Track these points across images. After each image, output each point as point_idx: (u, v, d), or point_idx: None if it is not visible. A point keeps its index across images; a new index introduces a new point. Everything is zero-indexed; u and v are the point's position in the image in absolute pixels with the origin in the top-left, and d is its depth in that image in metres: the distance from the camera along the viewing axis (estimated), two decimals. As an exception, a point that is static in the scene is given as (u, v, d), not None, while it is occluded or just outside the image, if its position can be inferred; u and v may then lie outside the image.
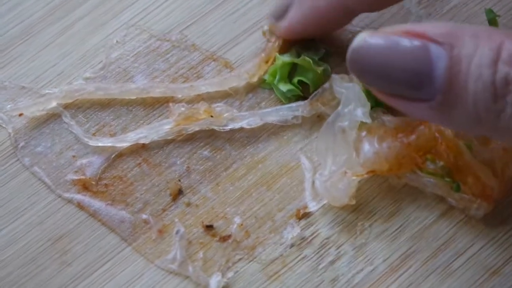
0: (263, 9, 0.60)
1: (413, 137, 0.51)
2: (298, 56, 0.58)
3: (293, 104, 0.56)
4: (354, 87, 0.53)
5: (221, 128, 0.56)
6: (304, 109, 0.56)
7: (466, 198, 0.52)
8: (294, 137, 0.56)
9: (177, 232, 0.53)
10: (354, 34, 0.57)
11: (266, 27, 0.59)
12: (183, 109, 0.56)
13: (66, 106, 0.57)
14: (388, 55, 0.39)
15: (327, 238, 0.53)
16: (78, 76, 0.59)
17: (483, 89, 0.37)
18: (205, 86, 0.57)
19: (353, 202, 0.53)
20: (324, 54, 0.58)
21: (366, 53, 0.40)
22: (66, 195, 0.54)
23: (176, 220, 0.54)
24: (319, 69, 0.57)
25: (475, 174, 0.51)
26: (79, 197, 0.54)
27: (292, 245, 0.53)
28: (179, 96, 0.57)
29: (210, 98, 0.57)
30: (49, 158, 0.56)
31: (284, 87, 0.57)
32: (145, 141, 0.56)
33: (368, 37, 0.40)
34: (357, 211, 0.53)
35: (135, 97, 0.57)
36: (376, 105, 0.55)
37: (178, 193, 0.55)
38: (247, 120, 0.56)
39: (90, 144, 0.56)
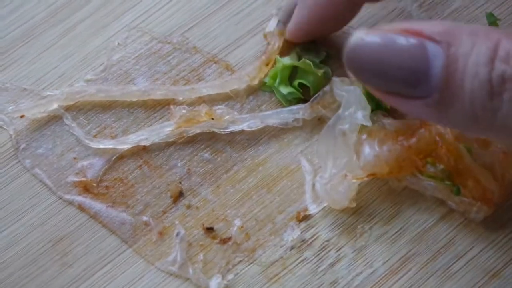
0: (263, 13, 0.60)
1: (413, 140, 0.52)
2: (299, 59, 0.58)
3: (294, 107, 0.56)
4: (355, 90, 0.53)
5: (222, 130, 0.56)
6: (305, 112, 0.56)
7: (466, 201, 0.52)
8: (295, 139, 0.56)
9: (178, 234, 0.53)
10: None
11: (267, 30, 0.59)
12: (184, 111, 0.56)
13: (67, 108, 0.57)
14: (385, 52, 0.39)
15: (327, 241, 0.53)
16: (79, 78, 0.59)
17: (479, 87, 0.37)
18: (206, 89, 0.57)
19: (353, 204, 0.53)
20: (324, 57, 0.58)
21: (363, 51, 0.40)
22: (67, 197, 0.55)
23: (177, 222, 0.54)
24: (320, 72, 0.57)
25: (475, 178, 0.51)
26: (80, 199, 0.54)
27: (292, 248, 0.53)
28: (180, 98, 0.57)
29: (211, 100, 0.57)
30: (50, 160, 0.56)
31: (284, 89, 0.57)
32: (146, 143, 0.56)
33: (365, 35, 0.40)
34: (357, 213, 0.53)
35: (136, 99, 0.57)
36: (377, 108, 0.55)
37: (179, 195, 0.55)
38: (248, 123, 0.56)
39: (91, 146, 0.56)
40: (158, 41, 0.60)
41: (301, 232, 0.53)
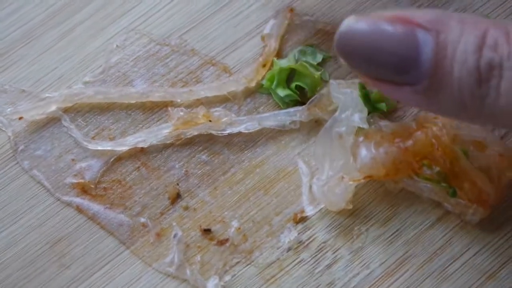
0: (261, 15, 0.61)
1: (410, 142, 0.52)
2: (296, 61, 0.58)
3: (291, 109, 0.57)
4: (352, 93, 0.53)
5: (219, 132, 0.56)
6: (302, 114, 0.56)
7: (462, 204, 0.52)
8: (292, 142, 0.57)
9: (175, 235, 0.53)
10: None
11: (265, 32, 0.59)
12: (182, 113, 0.56)
13: (66, 110, 0.58)
14: (375, 39, 0.39)
15: (324, 242, 0.53)
16: (77, 80, 0.59)
17: (468, 74, 0.38)
18: (204, 91, 0.58)
19: (350, 206, 0.53)
20: (321, 60, 0.59)
21: (353, 37, 0.40)
22: (65, 198, 0.55)
23: (174, 223, 0.54)
24: (317, 74, 0.57)
25: (471, 180, 0.51)
26: (78, 200, 0.55)
27: (289, 249, 0.53)
28: (178, 100, 0.58)
29: (209, 102, 0.58)
30: (48, 161, 0.56)
31: (282, 92, 0.57)
32: (144, 145, 0.56)
33: (355, 21, 0.40)
34: (354, 215, 0.54)
35: (134, 101, 0.58)
36: (373, 110, 0.55)
37: (176, 197, 0.55)
38: (245, 125, 0.56)
39: (89, 147, 0.56)
40: (156, 43, 0.60)
41: (298, 234, 0.53)
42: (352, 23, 0.40)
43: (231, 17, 0.61)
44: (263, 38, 0.60)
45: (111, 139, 0.57)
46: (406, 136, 0.52)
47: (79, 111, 0.58)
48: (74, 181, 0.55)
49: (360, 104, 0.53)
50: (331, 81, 0.55)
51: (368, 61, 0.40)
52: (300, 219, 0.54)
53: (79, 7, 0.62)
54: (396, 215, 0.54)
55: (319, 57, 0.59)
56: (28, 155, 0.56)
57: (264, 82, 0.58)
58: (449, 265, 0.52)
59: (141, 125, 0.57)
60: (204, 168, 0.56)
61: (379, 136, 0.53)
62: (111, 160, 0.56)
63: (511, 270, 0.52)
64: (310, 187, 0.54)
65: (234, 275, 0.52)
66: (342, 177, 0.52)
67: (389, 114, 0.56)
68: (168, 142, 0.56)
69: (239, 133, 0.56)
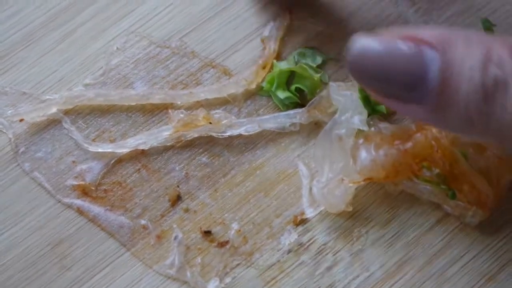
0: (261, 18, 0.61)
1: (409, 144, 0.52)
2: (296, 63, 0.58)
3: (291, 112, 0.57)
4: (352, 95, 0.54)
5: (219, 134, 0.56)
6: (302, 117, 0.56)
7: (461, 206, 0.52)
8: (292, 144, 0.57)
9: (175, 237, 0.53)
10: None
11: (264, 35, 0.60)
12: (182, 115, 0.56)
13: (66, 112, 0.58)
14: (385, 58, 0.40)
15: (324, 244, 0.53)
16: (78, 82, 0.59)
17: (474, 91, 0.38)
18: (204, 93, 0.58)
19: (350, 208, 0.53)
20: (321, 62, 0.59)
21: (364, 57, 0.41)
22: (66, 200, 0.55)
23: (175, 225, 0.54)
24: (316, 77, 0.57)
25: (471, 182, 0.52)
26: (78, 202, 0.55)
27: (289, 251, 0.53)
28: (178, 102, 0.58)
29: (209, 105, 0.58)
30: (49, 163, 0.56)
31: (282, 94, 0.57)
32: (144, 147, 0.56)
33: (366, 41, 0.41)
34: (354, 217, 0.54)
35: (134, 104, 0.58)
36: (373, 113, 0.55)
37: (177, 199, 0.55)
38: (245, 127, 0.56)
39: (90, 149, 0.56)
40: (157, 45, 0.60)
41: (298, 236, 0.54)
42: (362, 43, 0.41)
43: (231, 19, 0.61)
44: (262, 40, 0.60)
45: (112, 141, 0.57)
46: (406, 138, 0.52)
47: (80, 113, 0.58)
48: (75, 183, 0.55)
49: (360, 106, 0.53)
50: (331, 83, 0.55)
51: (378, 80, 0.40)
52: (300, 221, 0.54)
53: (80, 9, 0.62)
54: (396, 217, 0.54)
55: (319, 59, 0.59)
56: (29, 157, 0.56)
57: (264, 84, 0.58)
58: (448, 267, 0.52)
59: (141, 127, 0.57)
60: (204, 170, 0.56)
61: (378, 138, 0.53)
62: (112, 162, 0.56)
63: (510, 272, 0.52)
64: (310, 189, 0.55)
65: (235, 277, 0.53)
66: (342, 179, 0.52)
67: (388, 116, 0.56)
68: (168, 144, 0.56)
69: (239, 135, 0.56)
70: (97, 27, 0.61)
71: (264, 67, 0.58)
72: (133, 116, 0.58)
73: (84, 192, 0.55)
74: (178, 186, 0.55)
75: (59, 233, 0.54)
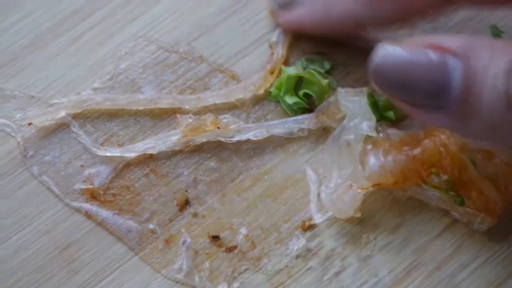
0: (269, 23, 0.61)
1: (418, 150, 0.52)
2: (304, 69, 0.58)
3: (299, 117, 0.57)
4: (360, 101, 0.54)
5: (228, 139, 0.56)
6: (310, 122, 0.56)
7: (470, 212, 0.52)
8: (300, 149, 0.57)
9: (184, 242, 0.53)
10: (360, 48, 0.58)
11: (272, 39, 0.60)
12: (190, 120, 0.56)
13: (75, 116, 0.58)
14: (408, 66, 0.40)
15: (332, 250, 0.53)
16: (86, 86, 0.59)
17: (497, 99, 0.38)
18: (212, 98, 0.58)
19: (358, 214, 0.53)
20: (329, 68, 0.59)
21: (387, 65, 0.41)
22: (74, 204, 0.55)
23: (183, 230, 0.54)
24: (325, 82, 0.57)
25: (479, 189, 0.52)
26: (87, 206, 0.55)
27: (297, 257, 0.53)
28: (187, 107, 0.58)
29: (217, 109, 0.58)
30: (57, 167, 0.56)
31: (290, 99, 0.57)
32: (153, 151, 0.56)
33: (388, 48, 0.41)
34: (362, 223, 0.54)
35: (143, 108, 0.58)
36: (382, 118, 0.55)
37: (185, 204, 0.55)
38: (254, 132, 0.56)
39: (98, 154, 0.56)
40: (165, 50, 0.60)
41: (306, 241, 0.54)
42: (386, 52, 0.41)
43: (239, 24, 0.61)
44: (270, 45, 0.60)
45: (120, 145, 0.57)
46: (414, 144, 0.52)
47: (88, 117, 0.58)
48: (83, 187, 0.55)
49: (368, 112, 0.53)
50: (339, 89, 0.55)
51: (401, 88, 0.41)
52: (309, 227, 0.54)
53: (88, 13, 0.62)
54: (404, 223, 0.54)
55: (327, 65, 0.59)
56: (37, 160, 0.56)
57: (272, 89, 0.58)
58: (457, 273, 0.52)
59: (149, 132, 0.57)
60: (212, 175, 0.56)
61: (387, 144, 0.53)
62: (120, 166, 0.56)
63: (519, 279, 0.52)
64: (318, 194, 0.55)
65: (243, 282, 0.53)
66: (351, 185, 0.52)
67: (397, 122, 0.56)
68: (176, 148, 0.56)
69: (248, 140, 0.57)
70: (105, 32, 0.61)
71: (272, 72, 0.59)
72: (141, 120, 0.58)
73: (92, 196, 0.55)
74: (186, 191, 0.55)
75: (67, 237, 0.54)
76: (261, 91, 0.58)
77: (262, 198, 0.55)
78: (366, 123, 0.53)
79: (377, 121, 0.54)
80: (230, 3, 0.62)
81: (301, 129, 0.57)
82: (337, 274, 0.52)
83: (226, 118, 0.57)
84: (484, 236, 0.53)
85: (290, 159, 0.56)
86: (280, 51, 0.59)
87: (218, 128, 0.56)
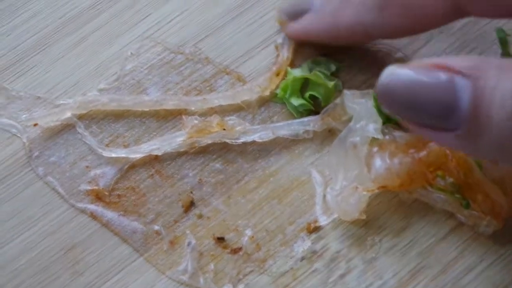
0: (276, 24, 0.61)
1: (424, 153, 0.52)
2: (310, 71, 0.58)
3: (305, 119, 0.57)
4: (366, 103, 0.54)
5: (233, 141, 0.56)
6: (316, 124, 0.56)
7: (475, 215, 0.52)
8: (306, 151, 0.57)
9: (189, 243, 0.53)
10: (366, 50, 0.58)
11: (278, 41, 0.60)
12: (196, 121, 0.56)
13: (80, 117, 0.58)
14: (416, 87, 0.41)
15: (337, 252, 0.53)
16: (92, 87, 0.59)
17: (506, 119, 0.38)
18: (218, 99, 0.58)
19: (364, 216, 0.53)
20: (335, 70, 0.59)
21: (395, 86, 0.41)
22: (79, 205, 0.55)
23: (188, 231, 0.54)
24: (330, 84, 0.57)
25: (485, 192, 0.51)
26: (92, 207, 0.55)
27: (302, 259, 0.53)
28: (192, 108, 0.58)
29: (223, 111, 0.58)
30: (62, 168, 0.56)
31: (296, 101, 0.57)
32: (158, 152, 0.56)
33: (396, 71, 0.41)
34: (368, 225, 0.54)
35: (148, 109, 0.58)
36: (388, 121, 0.55)
37: (190, 205, 0.55)
38: (259, 134, 0.56)
39: (103, 155, 0.56)
40: (171, 51, 0.60)
41: (312, 243, 0.53)
42: (394, 73, 0.41)
43: (245, 26, 0.61)
44: (276, 47, 0.60)
45: (125, 146, 0.57)
46: (420, 146, 0.52)
47: (94, 118, 0.58)
48: (88, 188, 0.55)
49: (374, 115, 0.53)
50: (345, 91, 0.55)
51: (409, 108, 0.41)
52: (314, 229, 0.54)
53: (94, 14, 0.62)
54: (410, 226, 0.54)
55: (333, 67, 0.59)
56: (43, 161, 0.56)
57: (278, 91, 0.58)
58: (463, 276, 0.52)
59: (155, 133, 0.57)
60: (218, 176, 0.56)
61: (393, 147, 0.53)
62: (125, 167, 0.56)
63: (524, 283, 0.52)
64: (324, 196, 0.54)
65: (248, 283, 0.52)
66: (356, 187, 0.52)
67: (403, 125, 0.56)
68: (182, 150, 0.56)
69: (253, 142, 0.56)
70: (111, 33, 0.61)
71: (278, 74, 0.59)
72: (146, 121, 0.58)
73: (97, 197, 0.55)
74: (191, 192, 0.55)
75: (72, 238, 0.54)
76: (267, 93, 0.58)
77: (267, 200, 0.55)
78: (372, 125, 0.53)
79: (383, 123, 0.54)
80: (238, 4, 0.62)
81: (307, 131, 0.57)
82: (342, 276, 0.52)
83: (231, 119, 0.57)
84: (490, 239, 0.53)
85: (296, 161, 0.56)
86: (286, 53, 0.59)
87: (224, 129, 0.56)
